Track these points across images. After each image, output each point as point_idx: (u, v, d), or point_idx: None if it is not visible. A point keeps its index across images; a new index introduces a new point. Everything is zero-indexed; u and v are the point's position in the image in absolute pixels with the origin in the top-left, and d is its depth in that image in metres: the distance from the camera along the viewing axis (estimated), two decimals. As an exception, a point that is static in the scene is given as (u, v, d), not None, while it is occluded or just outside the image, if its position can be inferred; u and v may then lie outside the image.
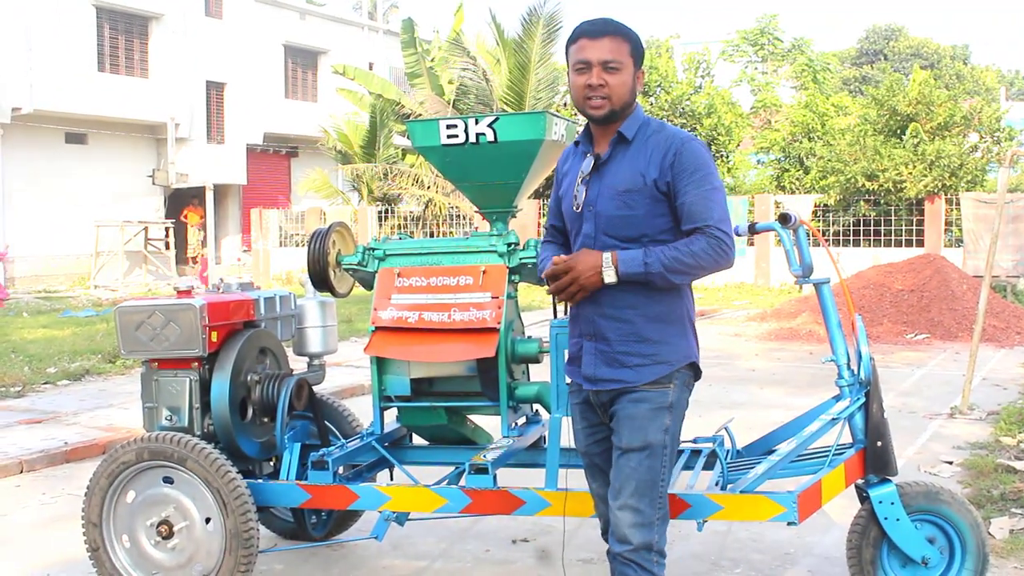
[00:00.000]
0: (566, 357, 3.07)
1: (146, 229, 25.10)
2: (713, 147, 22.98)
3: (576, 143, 3.05)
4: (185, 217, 27.78)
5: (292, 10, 32.01)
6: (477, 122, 4.04)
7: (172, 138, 26.17)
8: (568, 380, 3.12)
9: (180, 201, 27.89)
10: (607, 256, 2.76)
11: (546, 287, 2.90)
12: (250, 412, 4.10)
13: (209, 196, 25.55)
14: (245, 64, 29.43)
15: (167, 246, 25.89)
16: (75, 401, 8.34)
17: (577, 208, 2.90)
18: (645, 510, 2.82)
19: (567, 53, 2.92)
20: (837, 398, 3.69)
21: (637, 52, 2.89)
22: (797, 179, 23.57)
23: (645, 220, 2.84)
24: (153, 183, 26.18)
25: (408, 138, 4.42)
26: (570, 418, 3.11)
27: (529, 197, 21.75)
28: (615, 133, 2.89)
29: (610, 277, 2.76)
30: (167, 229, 25.93)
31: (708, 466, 4.08)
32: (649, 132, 2.89)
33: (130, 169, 26.07)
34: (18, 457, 6.22)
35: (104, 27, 25.37)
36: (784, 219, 3.77)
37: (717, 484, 3.75)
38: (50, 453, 6.40)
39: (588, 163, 2.90)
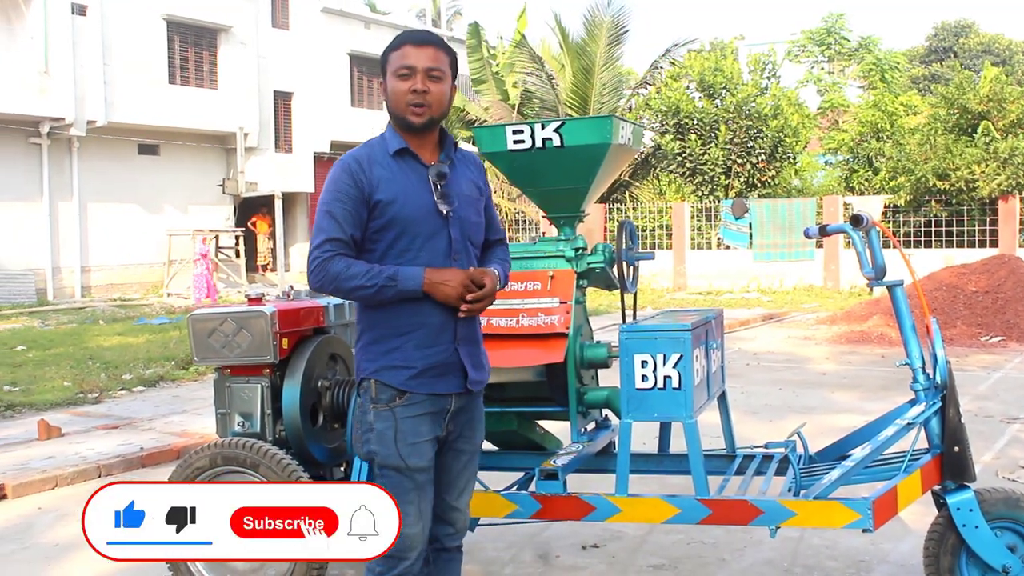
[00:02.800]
0: (418, 370, 2.82)
1: (216, 237, 25.54)
2: (780, 149, 22.67)
3: (387, 151, 2.93)
4: (254, 225, 28.19)
5: (357, 19, 32.33)
6: (543, 127, 4.03)
7: (241, 148, 26.63)
8: (421, 393, 2.85)
9: (249, 209, 28.32)
10: (494, 272, 2.93)
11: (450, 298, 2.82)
12: (320, 418, 4.13)
13: (278, 204, 25.91)
14: (311, 73, 29.83)
15: (237, 254, 26.30)
16: (150, 407, 8.51)
17: (446, 214, 2.87)
18: None
19: (386, 60, 2.90)
20: (912, 402, 3.61)
21: (454, 66, 2.95)
22: (866, 180, 23.15)
23: (483, 228, 3.03)
24: (223, 192, 26.63)
25: (475, 144, 4.42)
26: (396, 436, 2.81)
27: (596, 201, 21.77)
28: (439, 142, 2.96)
29: (499, 288, 2.97)
30: (237, 237, 26.32)
31: (780, 472, 4.03)
32: (456, 145, 3.04)
33: (200, 179, 26.57)
34: (96, 462, 6.37)
35: (174, 40, 25.91)
36: (856, 221, 3.71)
37: (790, 490, 3.69)
38: (127, 458, 6.53)
39: (439, 169, 2.88)
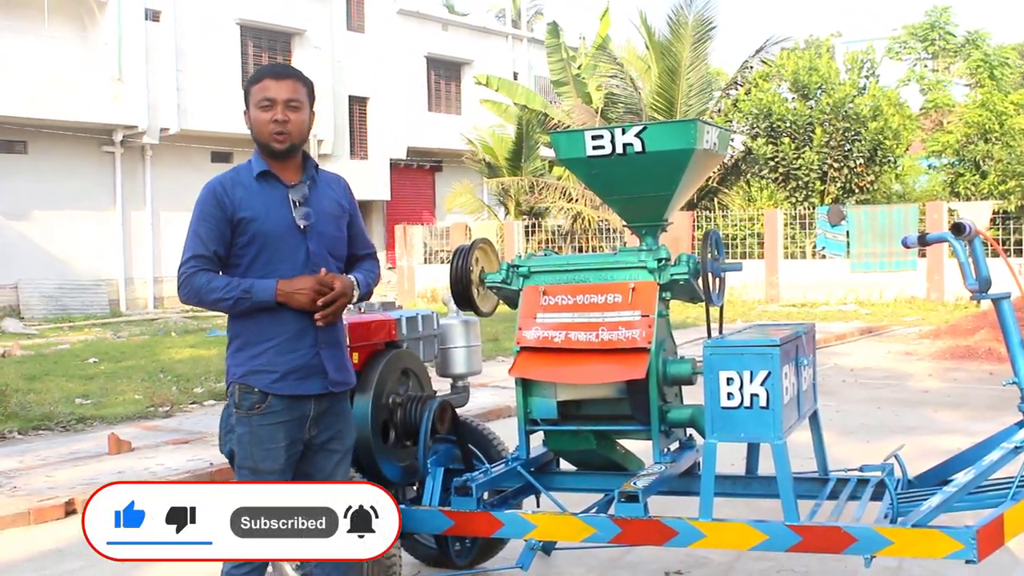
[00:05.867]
0: (281, 374, 3.09)
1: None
2: (879, 152, 21.97)
3: (255, 174, 3.20)
4: (328, 234, 28.41)
5: (435, 21, 32.35)
6: (624, 132, 3.86)
7: (315, 154, 26.78)
8: (282, 398, 3.11)
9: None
10: (350, 277, 3.21)
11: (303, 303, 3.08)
12: (392, 435, 4.03)
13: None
14: (387, 77, 29.86)
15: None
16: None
17: (303, 228, 3.14)
18: None
19: (248, 93, 3.20)
20: (1021, 424, 3.43)
21: (311, 96, 3.26)
22: (973, 184, 22.28)
23: (346, 242, 3.33)
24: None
25: (553, 150, 4.28)
26: (252, 441, 3.09)
27: (682, 209, 21.24)
28: (301, 165, 3.25)
29: (356, 294, 3.21)
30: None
31: (876, 497, 3.82)
32: (317, 167, 3.33)
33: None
34: (166, 477, 6.34)
35: (248, 45, 26.29)
36: (958, 229, 3.51)
37: (886, 517, 3.49)
38: (196, 473, 6.51)
39: (300, 190, 3.18)
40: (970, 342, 12.54)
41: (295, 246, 3.14)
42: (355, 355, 3.87)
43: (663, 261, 3.94)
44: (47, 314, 21.79)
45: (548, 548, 3.93)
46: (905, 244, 3.93)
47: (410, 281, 25.74)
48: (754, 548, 3.41)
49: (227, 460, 3.23)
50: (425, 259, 26.03)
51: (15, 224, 22.49)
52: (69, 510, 5.87)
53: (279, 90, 3.14)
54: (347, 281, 3.17)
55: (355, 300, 3.22)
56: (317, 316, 3.09)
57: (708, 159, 4.08)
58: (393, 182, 30.32)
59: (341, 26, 28.75)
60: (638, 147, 3.84)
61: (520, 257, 4.17)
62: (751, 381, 3.43)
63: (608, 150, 3.89)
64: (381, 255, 29.85)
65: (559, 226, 24.94)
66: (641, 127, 3.85)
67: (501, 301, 4.33)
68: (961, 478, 3.46)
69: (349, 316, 4.03)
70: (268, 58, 26.81)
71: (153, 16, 24.17)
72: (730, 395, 3.46)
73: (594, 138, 3.91)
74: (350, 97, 29.02)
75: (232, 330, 3.17)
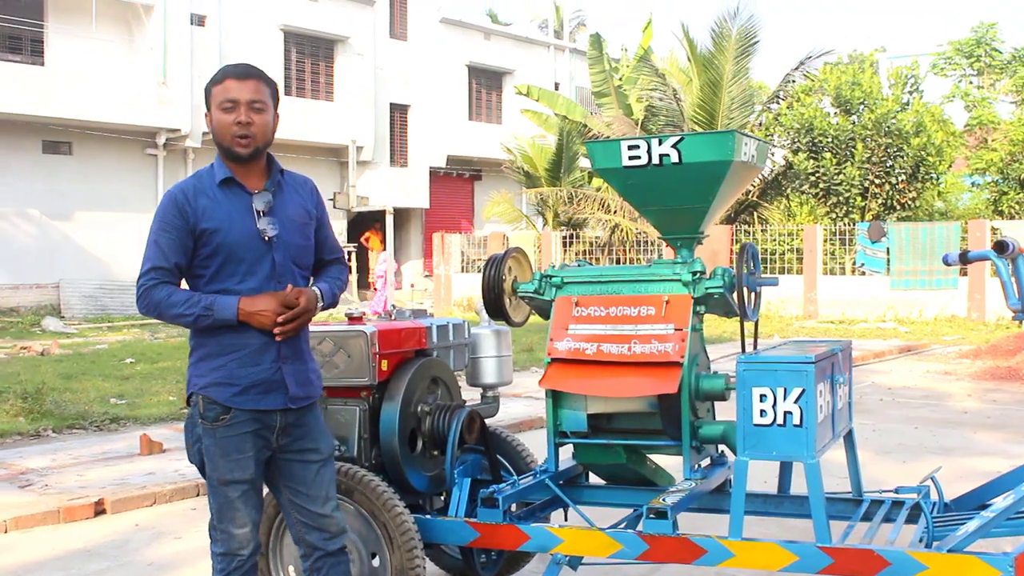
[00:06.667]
0: (241, 387, 3.02)
1: (349, 255, 25.96)
2: (922, 169, 21.68)
3: (218, 181, 3.09)
4: (367, 241, 28.44)
5: (477, 30, 32.44)
6: (661, 143, 3.80)
7: (353, 161, 26.87)
8: (245, 410, 3.04)
9: (362, 225, 28.59)
10: (315, 289, 3.12)
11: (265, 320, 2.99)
12: (420, 444, 3.99)
13: (389, 220, 26.16)
14: (429, 86, 29.98)
15: (349, 271, 26.58)
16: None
17: (268, 239, 3.04)
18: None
19: (209, 95, 3.07)
20: None
21: (275, 97, 3.13)
22: (1017, 203, 21.94)
23: (313, 249, 3.22)
24: (334, 206, 26.94)
25: (589, 160, 4.24)
26: (219, 452, 3.03)
27: (722, 223, 21.21)
28: (266, 170, 3.14)
29: (320, 306, 3.13)
30: (349, 253, 26.61)
31: (911, 520, 3.75)
32: (283, 171, 3.20)
33: (314, 194, 27.05)
34: (195, 480, 6.34)
35: (291, 51, 26.52)
36: (1001, 247, 3.43)
37: (921, 541, 3.43)
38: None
39: (264, 197, 3.07)
40: (1011, 363, 12.31)
41: (259, 257, 3.04)
42: (384, 362, 3.84)
43: (698, 274, 3.88)
44: (87, 314, 22.07)
45: (574, 563, 3.86)
46: (946, 262, 3.85)
47: (447, 289, 25.76)
48: (784, 569, 3.35)
49: (197, 469, 3.15)
50: (462, 268, 26.03)
51: (58, 224, 22.82)
52: (99, 510, 5.91)
53: (242, 91, 3.02)
54: (312, 296, 3.07)
55: (320, 310, 3.14)
56: (276, 331, 2.99)
57: (746, 172, 4.01)
58: (432, 190, 30.38)
59: (384, 34, 28.90)
60: (675, 158, 3.78)
61: (553, 267, 4.13)
62: (785, 398, 3.36)
63: (644, 160, 3.84)
64: (419, 263, 29.96)
65: (597, 237, 24.86)
66: (678, 138, 3.79)
67: (533, 311, 4.29)
68: (1000, 503, 3.39)
69: (379, 323, 4.01)
70: (311, 64, 27.01)
71: (198, 21, 24.48)
72: (763, 412, 3.39)
73: (631, 148, 3.86)
74: (391, 105, 29.15)
75: (194, 340, 3.09)
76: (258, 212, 3.05)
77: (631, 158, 3.87)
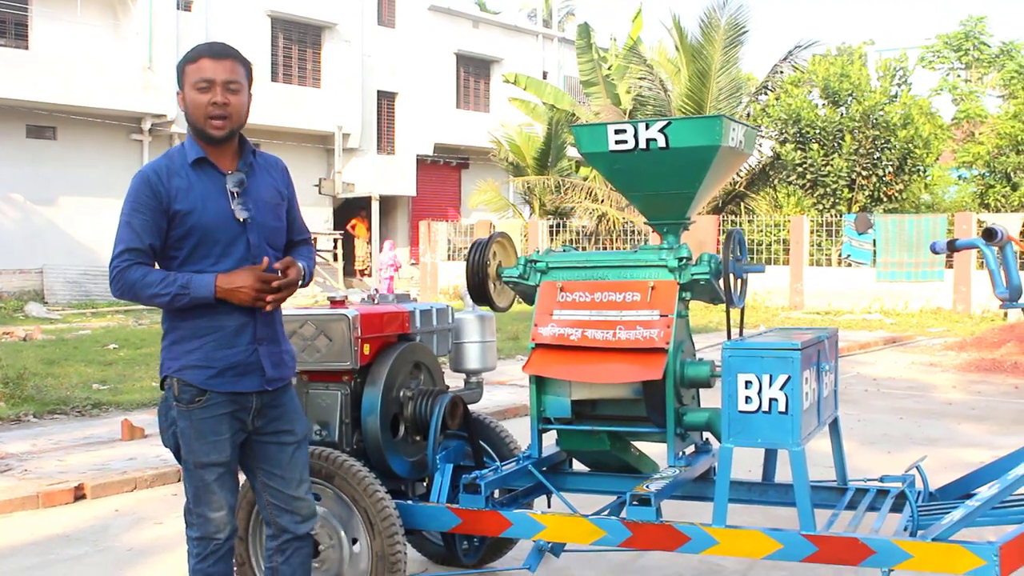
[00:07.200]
0: (217, 370, 2.97)
1: (315, 240, 25.85)
2: (908, 161, 21.71)
3: (190, 161, 3.02)
4: (353, 228, 28.31)
5: (465, 18, 32.30)
6: (648, 127, 3.76)
7: (339, 147, 26.75)
8: (221, 392, 2.99)
9: (349, 212, 28.47)
10: (299, 264, 3.08)
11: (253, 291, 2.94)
12: (402, 429, 3.95)
13: (374, 207, 26.04)
14: (417, 73, 29.88)
15: (335, 257, 26.42)
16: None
17: (243, 221, 3.00)
18: None
19: (182, 73, 2.99)
20: None
21: (250, 77, 3.07)
22: (1003, 196, 21.98)
23: (285, 231, 3.19)
24: (319, 192, 26.78)
25: (575, 144, 4.19)
26: (195, 435, 2.98)
27: (709, 213, 21.16)
28: (238, 150, 3.08)
29: (302, 282, 3.11)
30: (335, 240, 26.45)
31: (896, 508, 3.72)
32: (255, 152, 3.16)
33: (299, 179, 26.76)
34: (175, 466, 6.22)
35: (278, 37, 26.37)
36: (989, 235, 3.41)
37: (906, 529, 3.41)
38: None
39: (237, 178, 3.02)
40: (996, 355, 12.36)
41: (234, 239, 2.99)
42: (366, 346, 3.79)
43: (684, 260, 3.85)
44: (71, 300, 21.93)
45: (557, 550, 3.83)
46: (934, 250, 3.82)
47: (433, 277, 25.70)
48: (768, 557, 3.33)
49: (172, 454, 3.11)
50: (449, 256, 25.97)
51: (42, 209, 22.64)
52: (78, 495, 5.84)
53: (217, 70, 2.95)
54: (299, 268, 3.05)
55: (299, 287, 3.11)
56: (269, 299, 2.94)
57: (733, 157, 3.98)
58: (419, 178, 30.28)
59: (372, 21, 28.74)
60: (662, 143, 3.75)
61: (539, 252, 4.10)
62: (770, 385, 3.33)
63: (631, 145, 3.80)
64: (404, 251, 29.89)
65: (584, 226, 24.83)
66: (665, 122, 3.75)
67: (517, 297, 4.25)
68: (985, 492, 3.36)
69: (361, 307, 3.96)
70: (298, 50, 26.84)
71: (185, 6, 24.30)
72: (748, 399, 3.36)
73: (617, 132, 3.82)
74: (378, 92, 29.02)
75: (167, 323, 3.03)
76: (232, 193, 3.00)
77: (618, 142, 3.83)
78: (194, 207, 2.94)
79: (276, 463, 3.12)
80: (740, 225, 22.02)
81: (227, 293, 2.91)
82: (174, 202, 2.93)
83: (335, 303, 3.87)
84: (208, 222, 2.95)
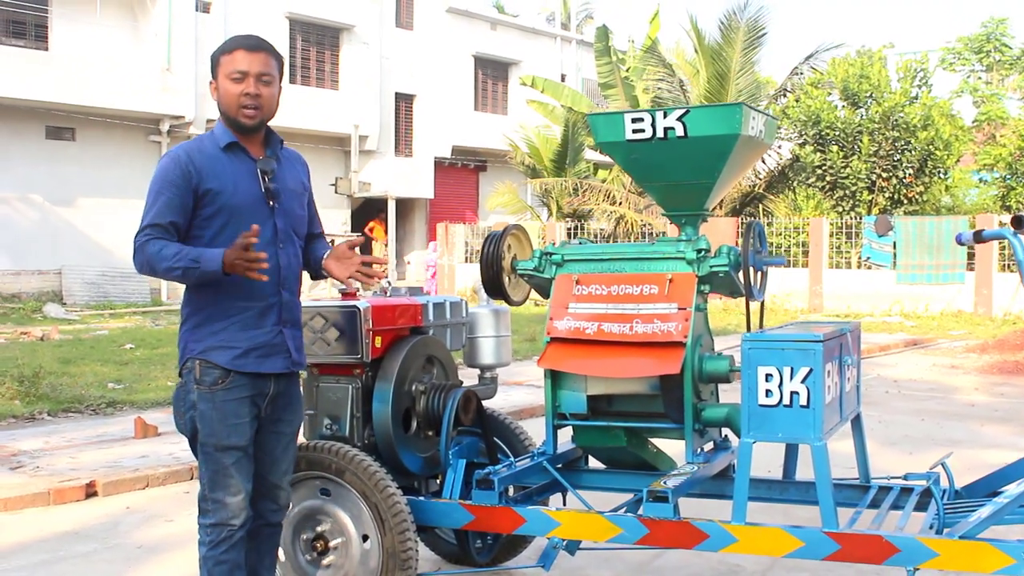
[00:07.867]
0: (243, 350, 3.03)
1: (332, 241, 25.73)
2: (929, 163, 21.49)
3: (222, 145, 3.10)
4: (371, 231, 28.24)
5: (484, 20, 32.24)
6: (666, 115, 3.69)
7: (356, 146, 26.62)
8: (245, 374, 3.05)
9: (367, 215, 28.44)
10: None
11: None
12: (414, 424, 3.88)
13: (391, 207, 25.90)
14: (435, 75, 29.84)
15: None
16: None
17: (271, 204, 3.08)
18: None
19: (217, 63, 3.08)
20: None
21: (282, 71, 3.18)
22: (1025, 198, 21.75)
23: (306, 221, 3.31)
24: (335, 192, 26.62)
25: (591, 135, 4.12)
26: (218, 417, 3.01)
27: (728, 215, 20.94)
28: (267, 139, 3.17)
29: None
30: (356, 246, 26.39)
31: (921, 507, 3.63)
32: (282, 142, 3.25)
33: (317, 181, 26.74)
34: (188, 463, 6.20)
35: (297, 39, 26.39)
36: (1018, 222, 3.31)
37: (932, 527, 3.32)
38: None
39: (269, 163, 3.11)
40: (1018, 357, 12.18)
41: (263, 221, 3.04)
42: (377, 339, 3.73)
43: (702, 252, 3.77)
44: (89, 300, 21.98)
45: (572, 548, 3.75)
46: (959, 241, 3.74)
47: (450, 279, 25.66)
48: (789, 555, 3.25)
49: (187, 439, 3.12)
50: (466, 258, 25.92)
51: (61, 211, 22.72)
52: (89, 492, 5.80)
53: (252, 63, 3.04)
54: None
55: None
56: (365, 271, 3.22)
57: (753, 147, 3.89)
58: (437, 180, 30.25)
59: (390, 23, 28.75)
60: (680, 131, 3.67)
61: (554, 245, 4.02)
62: (791, 378, 3.24)
63: (648, 134, 3.72)
64: (422, 253, 29.88)
65: (602, 229, 24.72)
66: (684, 110, 3.68)
67: (533, 290, 4.18)
68: (1012, 489, 3.26)
69: (372, 299, 3.90)
70: (316, 52, 26.87)
71: (203, 8, 24.36)
72: (768, 392, 3.27)
73: (634, 121, 3.75)
74: (396, 94, 29.01)
75: (191, 305, 3.07)
76: (262, 176, 3.08)
77: (635, 131, 3.76)
78: (225, 187, 3.02)
79: (269, 451, 3.16)
80: (759, 227, 21.85)
81: (232, 267, 2.91)
82: (204, 181, 3.00)
83: (346, 295, 3.81)
84: (239, 203, 3.03)
